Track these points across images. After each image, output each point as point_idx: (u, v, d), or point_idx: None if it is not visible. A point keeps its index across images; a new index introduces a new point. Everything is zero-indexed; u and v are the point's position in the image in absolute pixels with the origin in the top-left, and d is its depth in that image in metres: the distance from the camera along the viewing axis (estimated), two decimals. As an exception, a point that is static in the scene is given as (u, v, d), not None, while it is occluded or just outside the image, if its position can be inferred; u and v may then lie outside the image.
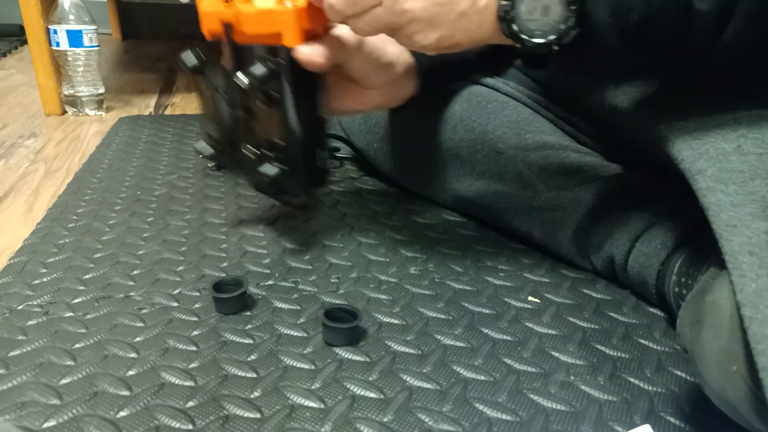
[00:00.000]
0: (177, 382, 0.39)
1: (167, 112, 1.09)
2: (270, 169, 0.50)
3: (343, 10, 0.42)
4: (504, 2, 0.38)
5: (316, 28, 0.47)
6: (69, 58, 0.97)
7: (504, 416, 0.38)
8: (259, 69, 0.47)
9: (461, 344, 0.45)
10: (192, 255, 0.56)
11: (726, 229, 0.33)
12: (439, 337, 0.45)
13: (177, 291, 0.50)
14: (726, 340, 0.30)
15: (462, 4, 0.39)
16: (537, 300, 0.51)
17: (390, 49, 0.52)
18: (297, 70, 0.48)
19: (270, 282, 0.52)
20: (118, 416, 0.36)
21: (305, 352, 0.43)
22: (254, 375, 0.40)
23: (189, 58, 0.52)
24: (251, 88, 0.49)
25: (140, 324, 0.45)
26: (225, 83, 0.52)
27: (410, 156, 0.68)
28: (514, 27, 0.39)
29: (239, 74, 0.48)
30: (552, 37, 0.38)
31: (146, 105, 1.13)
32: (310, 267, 0.55)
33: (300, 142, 0.51)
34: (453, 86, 0.65)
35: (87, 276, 0.51)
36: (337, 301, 0.49)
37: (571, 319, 0.49)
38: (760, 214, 0.32)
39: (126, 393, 0.38)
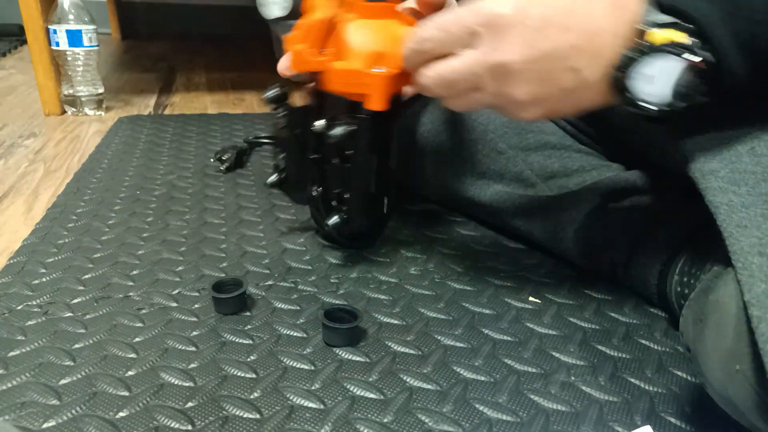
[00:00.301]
0: (176, 382, 0.39)
1: (166, 111, 1.09)
2: (335, 220, 0.52)
3: (440, 93, 0.41)
4: (617, 72, 0.34)
5: (401, 89, 0.48)
6: (68, 58, 0.97)
7: (504, 417, 0.38)
8: (338, 131, 0.47)
9: (461, 345, 0.45)
10: (191, 255, 0.55)
11: (737, 229, 0.33)
12: (439, 338, 0.45)
13: (176, 291, 0.49)
14: (730, 339, 0.30)
15: (566, 81, 0.36)
16: (537, 300, 0.51)
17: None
18: (374, 129, 0.48)
19: (269, 282, 0.52)
20: (117, 417, 0.36)
21: (305, 352, 0.43)
22: (254, 375, 0.40)
23: (271, 91, 0.54)
24: (327, 143, 0.49)
25: (139, 324, 0.45)
26: (302, 123, 0.53)
27: (410, 155, 0.68)
28: (632, 98, 0.35)
29: (317, 123, 0.49)
30: (679, 105, 0.34)
31: (146, 105, 1.13)
32: (309, 267, 0.55)
33: (368, 198, 0.53)
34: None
35: (86, 276, 0.51)
36: (337, 302, 0.49)
37: (571, 319, 0.49)
38: None
39: (125, 393, 0.38)
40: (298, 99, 0.55)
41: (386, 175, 0.54)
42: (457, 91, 0.40)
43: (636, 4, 0.34)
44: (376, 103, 0.46)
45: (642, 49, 0.33)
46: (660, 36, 0.33)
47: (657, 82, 0.34)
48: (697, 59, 0.33)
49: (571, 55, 0.35)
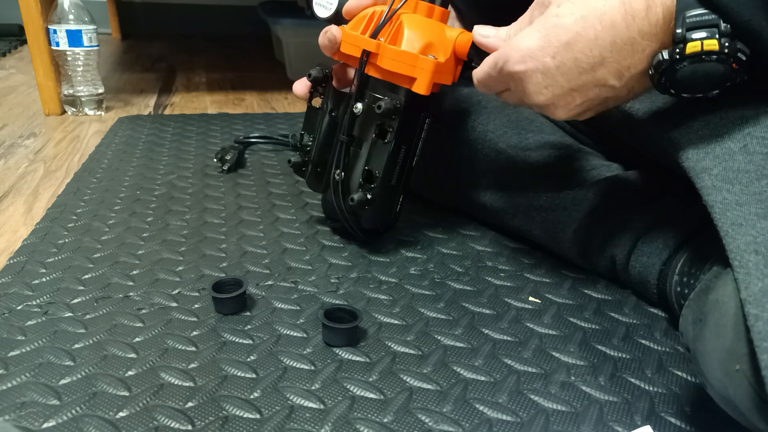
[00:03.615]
0: (176, 382, 0.39)
1: (167, 111, 1.09)
2: (360, 195, 0.53)
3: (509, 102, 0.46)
4: (655, 71, 0.37)
5: (443, 83, 0.52)
6: (68, 58, 0.97)
7: (504, 417, 0.38)
8: (386, 103, 0.50)
9: (461, 345, 0.45)
10: (191, 255, 0.55)
11: (732, 227, 0.33)
12: (439, 338, 0.45)
13: (176, 291, 0.49)
14: (729, 338, 0.30)
15: (600, 94, 0.39)
16: (537, 300, 0.51)
17: None
18: (412, 117, 0.53)
19: (270, 282, 0.52)
20: (117, 417, 0.36)
21: (305, 352, 0.43)
22: (254, 375, 0.40)
23: (315, 71, 0.56)
24: (367, 117, 0.53)
25: (139, 324, 0.45)
26: (338, 105, 0.56)
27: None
28: (671, 89, 0.37)
29: (358, 104, 0.52)
30: (715, 93, 0.37)
31: (146, 105, 1.13)
32: (309, 267, 0.55)
33: (389, 179, 0.54)
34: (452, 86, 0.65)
35: (86, 276, 0.51)
36: (337, 302, 0.49)
37: (571, 319, 0.49)
38: (766, 214, 0.32)
39: (125, 393, 0.38)
40: (335, 83, 0.58)
41: (407, 172, 0.56)
42: (493, 91, 0.46)
43: (662, 4, 0.35)
44: (423, 86, 0.49)
45: (675, 58, 0.35)
46: (691, 45, 0.34)
47: (696, 78, 0.36)
48: (731, 60, 0.34)
49: (593, 77, 0.38)
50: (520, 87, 0.41)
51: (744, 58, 0.34)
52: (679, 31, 0.34)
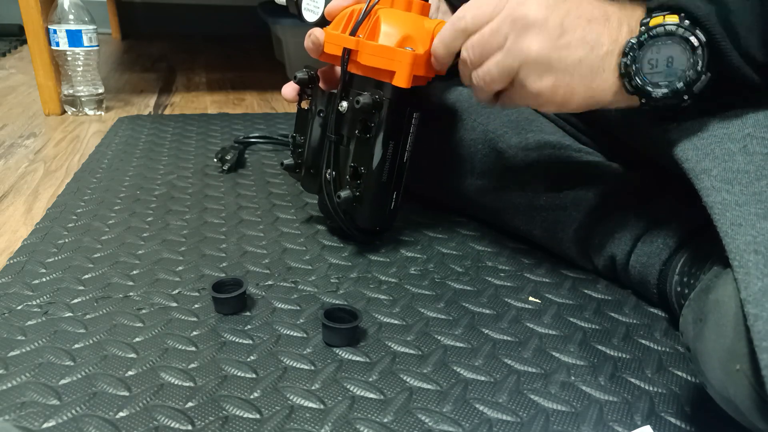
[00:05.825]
0: (176, 382, 0.39)
1: (166, 111, 1.09)
2: (347, 194, 0.54)
3: (472, 59, 0.44)
4: (624, 58, 0.38)
5: (425, 75, 0.51)
6: (68, 58, 0.97)
7: (504, 417, 0.38)
8: (365, 98, 0.50)
9: (461, 345, 0.45)
10: (191, 255, 0.55)
11: (731, 227, 0.33)
12: (439, 338, 0.45)
13: (176, 291, 0.49)
14: (730, 338, 0.30)
15: (580, 50, 0.39)
16: (537, 300, 0.51)
17: None
18: (397, 112, 0.52)
19: (270, 282, 0.52)
20: (117, 416, 0.36)
21: (305, 352, 0.43)
22: (254, 375, 0.40)
23: (300, 73, 0.57)
24: (353, 114, 0.53)
25: (139, 324, 0.45)
26: (325, 105, 0.56)
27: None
28: (638, 80, 0.38)
29: (343, 103, 0.53)
30: (680, 86, 0.38)
31: (146, 105, 1.13)
32: (309, 267, 0.55)
33: (380, 183, 0.54)
34: (453, 86, 0.65)
35: (86, 276, 0.51)
36: (337, 302, 0.49)
37: (571, 319, 0.49)
38: (766, 215, 0.32)
39: (125, 393, 0.38)
40: (323, 84, 0.58)
41: (399, 168, 0.55)
42: (487, 53, 0.43)
43: (640, 6, 0.39)
44: (402, 79, 0.49)
45: (642, 37, 0.38)
46: (655, 20, 0.38)
47: (659, 65, 0.38)
48: (690, 36, 0.37)
49: (584, 24, 0.40)
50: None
51: (703, 39, 0.36)
52: (644, 19, 0.38)
